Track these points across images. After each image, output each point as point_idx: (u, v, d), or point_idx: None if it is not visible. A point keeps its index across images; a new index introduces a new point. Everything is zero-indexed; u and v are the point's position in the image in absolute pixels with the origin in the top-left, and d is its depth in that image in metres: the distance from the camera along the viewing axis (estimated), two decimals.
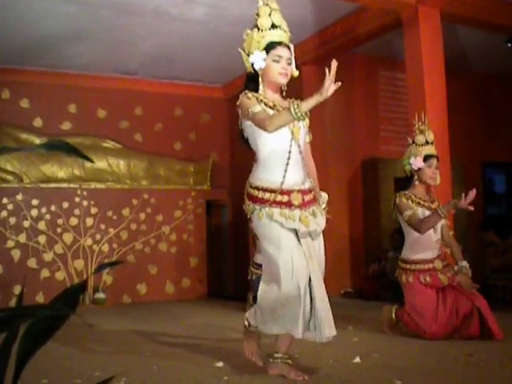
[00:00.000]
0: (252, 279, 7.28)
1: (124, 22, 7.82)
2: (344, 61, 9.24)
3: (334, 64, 3.06)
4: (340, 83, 3.03)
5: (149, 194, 9.91)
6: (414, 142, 5.30)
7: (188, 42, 8.64)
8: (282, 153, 3.42)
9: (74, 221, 9.34)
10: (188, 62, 9.60)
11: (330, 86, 3.03)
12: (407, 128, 7.74)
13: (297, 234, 3.38)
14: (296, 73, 3.59)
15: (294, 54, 3.57)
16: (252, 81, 3.60)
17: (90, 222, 9.45)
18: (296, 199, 3.40)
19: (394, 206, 5.24)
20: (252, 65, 3.54)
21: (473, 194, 4.75)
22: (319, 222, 3.44)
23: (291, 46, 3.56)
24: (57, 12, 7.46)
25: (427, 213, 5.07)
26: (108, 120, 10.14)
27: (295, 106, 3.07)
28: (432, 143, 5.28)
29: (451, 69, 7.86)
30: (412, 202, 5.12)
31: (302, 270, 3.26)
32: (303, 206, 3.42)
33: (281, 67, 3.48)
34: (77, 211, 9.38)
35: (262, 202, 3.39)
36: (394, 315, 5.27)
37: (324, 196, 3.67)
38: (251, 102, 3.40)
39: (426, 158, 5.18)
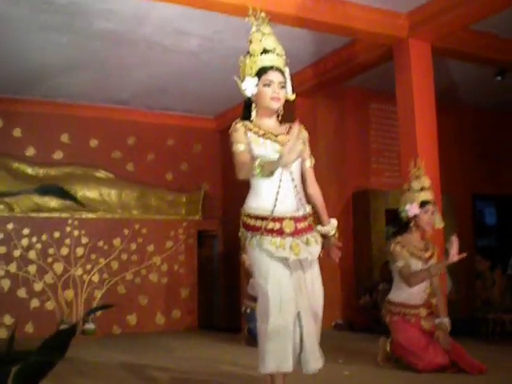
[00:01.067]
0: (246, 312, 7.23)
1: (117, 52, 7.83)
2: (337, 93, 9.33)
3: (296, 126, 3.15)
4: (299, 149, 3.06)
5: (140, 224, 9.87)
6: (409, 189, 5.34)
7: (181, 72, 8.66)
8: (272, 181, 3.36)
9: (64, 250, 9.28)
10: (181, 93, 9.62)
11: (294, 146, 3.05)
12: (398, 160, 7.77)
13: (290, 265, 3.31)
14: (292, 96, 3.55)
15: (289, 77, 3.54)
16: (246, 108, 3.59)
17: (80, 251, 9.38)
18: (288, 227, 3.34)
19: (388, 251, 5.27)
20: (245, 91, 3.52)
21: (456, 242, 4.74)
22: (312, 251, 3.38)
23: (286, 70, 3.52)
24: (50, 42, 7.47)
25: (420, 265, 5.10)
26: (100, 150, 10.12)
27: (260, 165, 3.14)
28: (428, 189, 5.32)
29: (442, 102, 7.90)
30: (406, 251, 5.13)
31: (290, 303, 3.22)
32: (296, 233, 3.35)
33: (272, 91, 3.44)
34: (68, 241, 9.31)
35: (254, 229, 3.35)
36: (388, 348, 5.24)
37: (333, 222, 3.63)
38: (237, 137, 3.43)
39: (422, 204, 5.21)
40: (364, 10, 6.67)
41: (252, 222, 3.37)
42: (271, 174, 3.19)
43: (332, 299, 9.03)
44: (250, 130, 3.45)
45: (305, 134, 3.62)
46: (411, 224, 5.25)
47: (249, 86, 3.49)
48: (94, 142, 10.10)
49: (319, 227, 3.57)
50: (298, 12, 6.26)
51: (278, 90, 3.46)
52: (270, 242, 3.30)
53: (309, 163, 3.63)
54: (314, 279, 3.42)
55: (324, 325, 3.49)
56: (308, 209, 3.49)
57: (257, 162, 3.17)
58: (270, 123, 3.54)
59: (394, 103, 7.25)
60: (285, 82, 3.50)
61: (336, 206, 9.22)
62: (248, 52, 3.54)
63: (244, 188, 3.58)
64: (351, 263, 9.26)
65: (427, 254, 5.19)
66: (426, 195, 5.27)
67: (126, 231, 9.73)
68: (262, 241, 3.31)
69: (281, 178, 3.39)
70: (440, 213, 5.40)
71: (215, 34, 7.37)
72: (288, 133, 3.48)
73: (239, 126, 3.46)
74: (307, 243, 3.38)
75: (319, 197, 3.64)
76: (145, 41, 7.53)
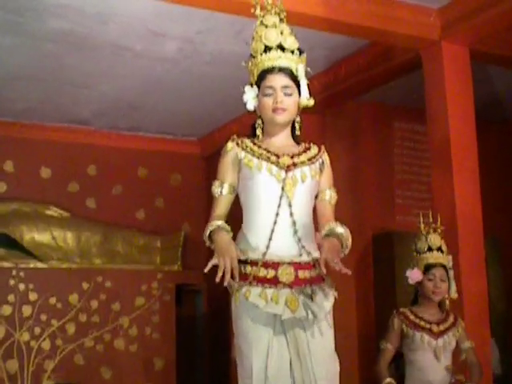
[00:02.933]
0: None
1: (75, 59, 7.88)
2: (351, 109, 9.35)
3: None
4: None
5: (103, 276, 9.81)
6: (415, 249, 5.49)
7: (156, 84, 8.72)
8: (266, 214, 3.34)
9: (7, 310, 9.20)
10: (155, 110, 9.67)
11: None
12: (430, 194, 7.77)
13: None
14: (309, 101, 3.52)
15: (304, 77, 3.50)
16: (253, 125, 3.62)
17: (27, 311, 9.31)
18: (285, 275, 3.27)
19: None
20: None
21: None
22: (316, 308, 3.25)
23: (299, 68, 3.48)
24: None
25: (426, 338, 5.18)
26: (53, 181, 10.13)
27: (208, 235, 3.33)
28: (438, 249, 5.38)
29: (484, 119, 7.91)
30: (406, 326, 5.28)
31: (282, 380, 3.15)
32: (296, 284, 3.28)
33: (274, 101, 3.40)
34: (11, 297, 9.24)
35: (242, 278, 3.29)
36: None
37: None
38: (221, 167, 3.54)
39: (427, 269, 5.29)
40: (384, 5, 6.69)
41: (241, 268, 3.30)
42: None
43: (348, 369, 8.93)
44: (245, 149, 3.45)
45: (325, 157, 3.63)
46: (418, 293, 5.41)
47: (248, 99, 3.52)
48: (45, 172, 10.11)
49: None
50: (301, 7, 6.26)
51: (282, 98, 3.41)
52: (260, 295, 3.22)
53: (328, 195, 3.60)
54: (321, 342, 3.31)
55: None
56: (317, 254, 3.38)
57: (209, 228, 3.32)
58: (280, 141, 3.52)
59: (423, 122, 7.28)
60: (296, 86, 3.45)
61: (351, 253, 9.14)
62: (250, 54, 3.57)
63: (236, 230, 3.56)
64: (372, 324, 9.21)
65: (442, 327, 5.25)
66: (433, 257, 5.34)
67: (85, 285, 9.67)
68: (248, 292, 3.25)
69: (278, 210, 3.35)
70: (483, 259, 5.46)
71: (198, 36, 7.42)
72: (299, 155, 3.48)
73: (231, 146, 3.51)
74: (312, 297, 3.29)
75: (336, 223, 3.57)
76: (110, 45, 7.57)
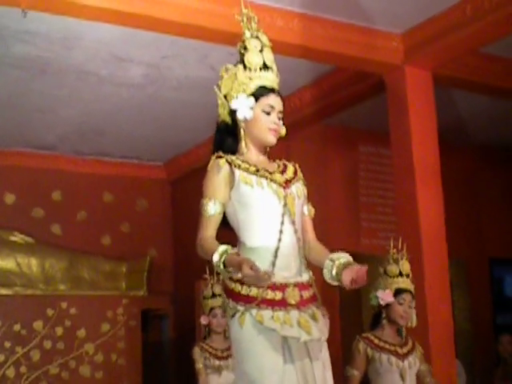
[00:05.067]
0: None
1: (40, 83, 7.90)
2: (316, 134, 9.36)
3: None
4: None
5: (68, 303, 9.76)
6: (385, 273, 5.50)
7: (121, 109, 8.76)
8: (270, 232, 3.30)
9: None
10: (121, 135, 9.70)
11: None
12: (395, 217, 7.84)
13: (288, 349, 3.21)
14: (284, 131, 3.55)
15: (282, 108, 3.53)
16: (227, 135, 3.54)
17: None
18: (292, 296, 3.25)
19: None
20: (232, 112, 3.45)
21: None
22: (322, 329, 3.28)
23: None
24: None
25: (393, 359, 5.23)
26: (17, 207, 10.09)
27: (221, 261, 3.12)
28: (407, 276, 5.46)
29: (447, 143, 7.98)
30: (371, 349, 5.29)
31: None
32: (302, 305, 3.27)
33: (272, 121, 3.42)
34: None
35: (247, 300, 3.20)
36: None
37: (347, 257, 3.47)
38: (213, 183, 3.38)
39: (398, 293, 5.36)
40: (348, 31, 6.76)
41: (244, 289, 3.24)
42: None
43: None
44: (239, 166, 3.38)
45: (301, 175, 3.65)
46: (383, 316, 5.42)
47: (242, 107, 3.41)
48: (9, 198, 10.08)
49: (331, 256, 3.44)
50: (265, 32, 6.32)
51: (278, 121, 3.46)
52: (273, 318, 3.17)
53: (307, 211, 3.63)
54: (325, 372, 3.32)
55: None
56: (311, 273, 3.46)
57: (218, 251, 3.14)
58: (261, 159, 3.52)
59: (388, 145, 7.33)
60: (282, 113, 3.50)
61: (316, 275, 9.23)
62: (241, 62, 3.50)
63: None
64: (338, 349, 9.22)
65: (404, 350, 5.33)
66: (404, 282, 5.42)
67: (49, 311, 9.63)
68: (260, 316, 3.17)
69: (281, 228, 3.33)
70: (447, 282, 5.54)
71: (164, 61, 7.48)
72: (284, 172, 3.50)
73: (223, 163, 3.39)
74: (314, 318, 3.28)
75: (321, 246, 3.59)
76: (75, 70, 7.63)
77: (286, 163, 3.64)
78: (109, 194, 10.77)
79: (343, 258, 3.45)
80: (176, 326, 10.67)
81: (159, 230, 10.99)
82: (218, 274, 5.58)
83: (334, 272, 3.37)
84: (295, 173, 3.60)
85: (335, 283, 3.39)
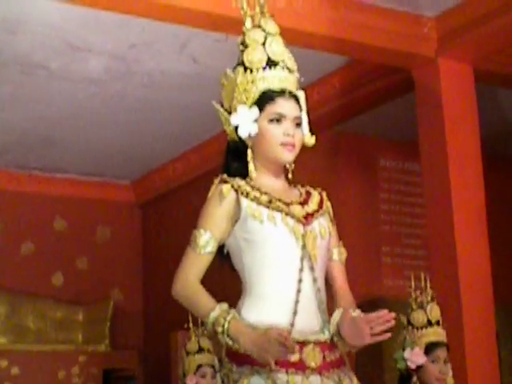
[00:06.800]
0: None
1: None
2: (324, 144, 9.33)
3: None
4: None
5: (9, 360, 9.72)
6: (409, 323, 5.41)
7: (77, 112, 8.72)
8: (286, 280, 3.25)
9: None
10: (77, 145, 9.66)
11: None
12: (425, 250, 7.80)
13: None
14: (311, 140, 3.51)
15: (305, 107, 3.47)
16: (236, 156, 3.48)
17: None
18: (312, 358, 3.20)
19: None
20: (235, 129, 3.39)
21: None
22: None
23: (301, 95, 3.46)
24: None
25: None
26: None
27: (216, 322, 3.10)
28: (438, 323, 5.37)
29: (492, 155, 7.96)
30: None
31: None
32: (324, 369, 3.21)
33: (283, 133, 3.33)
34: None
35: (256, 362, 3.13)
36: None
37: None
38: (212, 215, 3.31)
39: (430, 349, 5.25)
40: (365, 12, 6.73)
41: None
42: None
43: None
44: (247, 195, 3.30)
45: (329, 205, 3.61)
46: (413, 380, 5.27)
47: (243, 122, 3.35)
48: None
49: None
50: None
51: (293, 131, 3.36)
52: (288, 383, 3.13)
53: (337, 255, 3.57)
54: None
55: None
56: (334, 328, 3.33)
57: (213, 314, 3.12)
58: (276, 184, 3.45)
59: (415, 159, 7.32)
60: (300, 118, 3.41)
61: None
62: (241, 63, 3.44)
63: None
64: None
65: None
66: (435, 333, 5.33)
67: None
68: (272, 381, 3.12)
69: (300, 275, 3.27)
70: (494, 331, 5.49)
71: (132, 51, 7.46)
72: (305, 202, 3.43)
73: (227, 191, 3.31)
74: None
75: (351, 300, 3.52)
76: (19, 61, 7.58)
77: (311, 190, 3.57)
78: (61, 220, 10.74)
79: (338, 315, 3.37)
80: None
81: (125, 266, 10.95)
82: (203, 324, 5.52)
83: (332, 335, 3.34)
84: (320, 204, 3.53)
85: (346, 349, 3.34)
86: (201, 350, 6.22)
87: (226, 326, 3.10)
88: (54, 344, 10.09)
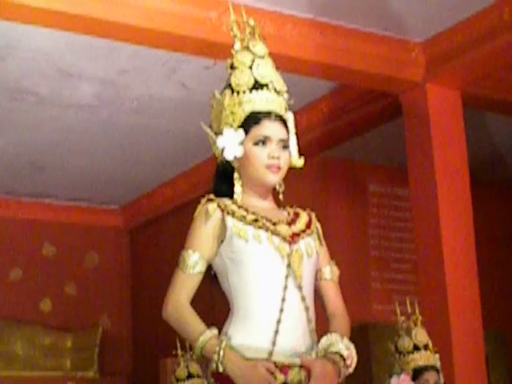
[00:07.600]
0: None
1: None
2: (315, 168, 9.34)
3: None
4: None
5: None
6: (396, 350, 5.44)
7: (66, 138, 8.73)
8: (269, 299, 3.22)
9: None
10: (65, 171, 9.66)
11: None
12: (415, 275, 7.81)
13: None
14: (299, 162, 3.50)
15: (293, 129, 3.46)
16: (224, 177, 3.47)
17: None
18: (296, 381, 3.17)
19: None
20: (222, 152, 3.37)
21: None
22: None
23: (289, 117, 3.46)
24: None
25: None
26: None
27: (218, 352, 3.07)
28: (426, 348, 5.38)
29: (480, 180, 7.97)
30: None
31: None
32: None
33: (268, 155, 3.32)
34: None
35: None
36: None
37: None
38: (199, 235, 3.30)
39: (417, 373, 5.27)
40: (353, 38, 6.76)
41: None
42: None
43: None
44: (233, 214, 3.29)
45: (318, 226, 3.60)
46: None
47: (228, 144, 3.34)
48: None
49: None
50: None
51: (279, 153, 3.35)
52: None
53: (328, 274, 3.54)
54: None
55: None
56: (321, 354, 3.31)
57: (202, 338, 3.10)
58: (263, 205, 3.44)
59: (404, 184, 7.32)
60: (286, 140, 3.40)
61: None
62: (229, 86, 3.44)
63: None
64: None
65: None
66: (423, 358, 5.33)
67: None
68: None
69: (284, 294, 3.24)
70: (483, 357, 5.50)
71: (121, 77, 7.47)
72: (293, 222, 3.43)
73: (212, 210, 3.31)
74: None
75: (346, 327, 3.50)
76: (8, 86, 7.59)
77: (300, 211, 3.56)
78: (50, 245, 10.72)
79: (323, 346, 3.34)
80: None
81: (114, 293, 10.92)
82: (191, 348, 5.52)
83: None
84: (309, 224, 3.52)
85: None
86: (190, 376, 6.20)
87: (221, 354, 3.06)
88: (43, 371, 10.06)
